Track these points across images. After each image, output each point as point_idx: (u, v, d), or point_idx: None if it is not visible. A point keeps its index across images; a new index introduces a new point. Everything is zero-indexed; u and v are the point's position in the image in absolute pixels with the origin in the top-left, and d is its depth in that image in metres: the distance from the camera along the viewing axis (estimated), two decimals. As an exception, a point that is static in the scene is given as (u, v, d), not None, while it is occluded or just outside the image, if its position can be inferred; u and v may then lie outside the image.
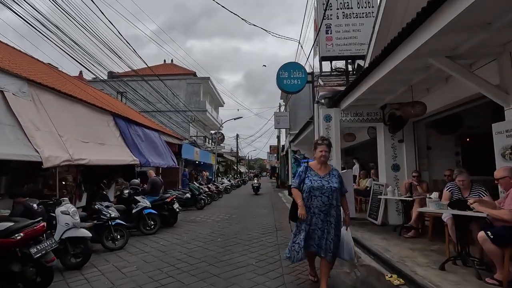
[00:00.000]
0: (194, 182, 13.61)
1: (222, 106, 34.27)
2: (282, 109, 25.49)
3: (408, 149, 6.91)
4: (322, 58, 8.21)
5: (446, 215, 4.19)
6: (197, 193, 11.35)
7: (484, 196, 3.92)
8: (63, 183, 7.51)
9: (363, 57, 7.50)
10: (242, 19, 7.90)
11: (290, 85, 7.63)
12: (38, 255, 3.18)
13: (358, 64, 8.96)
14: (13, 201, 4.52)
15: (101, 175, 8.76)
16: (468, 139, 7.35)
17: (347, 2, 8.04)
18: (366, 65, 6.12)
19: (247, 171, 57.61)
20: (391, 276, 3.58)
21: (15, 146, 4.85)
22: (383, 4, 6.32)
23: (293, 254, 3.22)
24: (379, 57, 4.23)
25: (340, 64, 8.64)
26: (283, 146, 27.26)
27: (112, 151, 8.18)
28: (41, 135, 5.74)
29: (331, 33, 8.05)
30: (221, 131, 27.53)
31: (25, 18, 6.55)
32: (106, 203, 5.65)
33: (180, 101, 21.96)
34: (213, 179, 21.80)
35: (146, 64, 13.81)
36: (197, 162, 19.84)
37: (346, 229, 3.30)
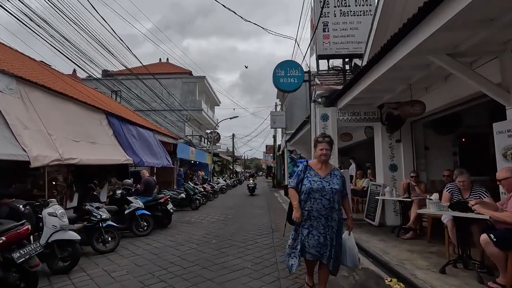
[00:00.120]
0: (189, 182, 13.43)
1: (218, 105, 34.13)
2: (279, 108, 25.39)
3: (406, 149, 6.83)
4: (319, 57, 8.10)
5: (446, 217, 4.10)
6: (192, 193, 11.18)
7: (485, 197, 3.84)
8: (53, 183, 7.30)
9: (360, 56, 7.41)
10: (239, 15, 7.75)
11: (287, 83, 7.51)
12: (21, 260, 3.01)
13: (354, 63, 8.87)
14: (-1, 202, 4.33)
15: (93, 175, 8.56)
16: (466, 139, 7.29)
17: (345, 0, 7.93)
18: (364, 63, 6.02)
19: (243, 170, 57.45)
20: (390, 280, 3.47)
21: (1, 145, 4.67)
22: (381, 2, 6.22)
23: (291, 262, 2.94)
24: (378, 54, 4.12)
25: (337, 62, 8.55)
26: (279, 145, 27.17)
27: (104, 150, 7.99)
28: (29, 133, 5.54)
29: (328, 31, 7.94)
30: (217, 130, 27.34)
31: (15, 15, 6.35)
32: (97, 204, 5.47)
33: (176, 100, 21.75)
34: (209, 179, 21.62)
35: (141, 63, 13.60)
36: (192, 161, 19.66)
37: (349, 234, 3.05)
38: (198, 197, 11.43)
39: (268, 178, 44.43)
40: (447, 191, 4.20)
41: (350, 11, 7.96)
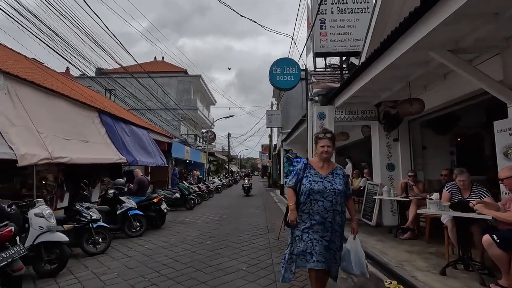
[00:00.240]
0: (184, 182, 13.25)
1: (214, 104, 33.92)
2: (274, 107, 25.29)
3: (403, 148, 6.75)
4: (316, 54, 7.98)
5: (446, 217, 4.02)
6: (187, 192, 11.02)
7: (485, 197, 3.75)
8: (43, 182, 7.10)
9: (358, 54, 7.32)
10: (235, 11, 7.60)
11: (283, 81, 7.39)
12: (2, 263, 2.84)
13: (351, 62, 8.79)
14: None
15: (85, 174, 8.36)
16: (463, 139, 7.24)
17: (342, -3, 7.82)
18: (362, 61, 5.92)
19: (238, 170, 57.28)
20: (390, 283, 3.36)
21: (-15, 142, 4.47)
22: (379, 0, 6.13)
23: (288, 268, 2.64)
24: (378, 50, 4.01)
25: (334, 60, 8.46)
26: (275, 145, 27.06)
27: (96, 149, 7.80)
28: (16, 131, 5.35)
29: (325, 28, 7.82)
30: (212, 129, 27.16)
31: (5, 10, 6.13)
32: (87, 204, 5.30)
33: (171, 99, 21.52)
34: (204, 179, 21.45)
35: (136, 61, 13.39)
36: (187, 161, 19.47)
37: (354, 238, 2.76)
38: (193, 197, 11.27)
39: (263, 178, 44.38)
40: (446, 190, 4.11)
41: (348, 8, 7.86)
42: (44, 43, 7.37)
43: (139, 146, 10.40)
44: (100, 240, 5.06)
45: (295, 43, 23.90)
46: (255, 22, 8.04)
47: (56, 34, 8.00)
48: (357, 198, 8.26)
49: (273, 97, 27.08)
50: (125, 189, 7.06)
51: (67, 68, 21.33)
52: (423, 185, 5.97)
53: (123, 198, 6.46)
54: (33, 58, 10.66)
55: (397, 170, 6.74)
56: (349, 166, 9.97)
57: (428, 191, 6.17)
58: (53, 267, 3.95)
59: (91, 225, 4.97)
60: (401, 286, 3.31)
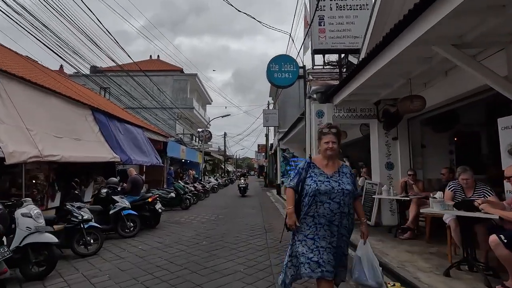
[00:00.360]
0: (179, 181, 13.06)
1: (210, 103, 33.72)
2: (271, 107, 25.18)
3: (402, 147, 6.66)
4: (315, 51, 7.86)
5: (448, 216, 3.92)
6: (182, 192, 10.84)
7: (489, 196, 3.65)
8: (34, 181, 6.89)
9: (357, 51, 7.21)
10: (233, 6, 7.45)
11: (281, 78, 7.25)
12: (-16, 266, 2.67)
13: (348, 61, 8.68)
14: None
15: (78, 173, 8.17)
16: (462, 138, 7.17)
17: (341, -7, 7.70)
18: (361, 59, 5.82)
19: (234, 170, 57.10)
20: (393, 285, 3.24)
21: (-29, 140, 4.28)
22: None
23: (288, 272, 2.45)
24: (380, 45, 3.89)
25: (333, 58, 8.33)
26: (272, 144, 26.96)
27: (89, 147, 7.61)
28: (4, 128, 5.16)
29: (324, 25, 7.70)
30: (208, 129, 26.96)
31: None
32: (78, 204, 5.11)
33: (167, 97, 21.29)
34: (200, 178, 21.26)
35: (131, 58, 13.14)
36: (183, 160, 19.28)
37: (364, 243, 2.49)
38: (189, 197, 11.10)
39: (260, 178, 44.24)
40: (449, 189, 4.00)
41: (347, 5, 7.75)
42: (36, 37, 7.14)
43: (133, 145, 10.21)
44: (92, 241, 4.88)
45: (292, 40, 23.80)
46: (253, 18, 7.89)
47: (49, 30, 7.79)
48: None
49: (269, 96, 26.97)
50: (119, 189, 6.88)
51: (61, 66, 21.02)
52: (423, 184, 5.89)
53: (116, 198, 6.28)
54: (27, 56, 10.41)
55: (396, 169, 6.65)
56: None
57: (428, 190, 6.09)
58: (41, 270, 3.77)
59: (82, 226, 4.79)
60: (405, 288, 3.20)
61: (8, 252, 2.95)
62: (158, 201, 7.34)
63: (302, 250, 2.33)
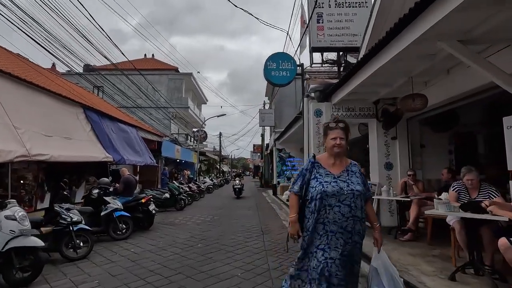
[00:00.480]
0: (174, 181, 12.83)
1: (205, 103, 33.48)
2: (267, 107, 25.04)
3: (402, 146, 6.56)
4: (313, 49, 7.72)
5: (452, 218, 3.80)
6: (177, 193, 10.61)
7: (495, 196, 3.54)
8: (22, 182, 6.63)
9: (355, 49, 7.10)
10: (231, 2, 7.25)
11: (279, 77, 7.10)
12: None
13: (346, 60, 8.57)
14: None
15: (68, 173, 7.92)
16: (461, 138, 7.10)
17: (340, -10, 7.58)
18: (360, 58, 5.70)
19: (229, 170, 56.85)
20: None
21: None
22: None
23: (294, 286, 2.20)
24: (383, 40, 3.76)
25: (331, 56, 8.20)
26: (267, 144, 26.82)
27: (81, 146, 7.37)
28: (-11, 126, 4.93)
29: (322, 22, 7.56)
30: (203, 128, 26.72)
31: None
32: (67, 205, 4.88)
33: (162, 96, 21.01)
34: (195, 178, 21.02)
35: (125, 57, 12.88)
36: (178, 160, 19.02)
37: (379, 251, 2.24)
38: (183, 197, 10.88)
39: (255, 178, 44.09)
40: (453, 190, 3.89)
41: (345, 2, 7.63)
42: (26, 33, 6.87)
43: (127, 144, 9.98)
44: (81, 244, 4.65)
45: (290, 38, 23.69)
46: (250, 14, 7.73)
47: (40, 26, 7.53)
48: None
49: (265, 96, 26.84)
50: (111, 189, 6.65)
51: (53, 64, 20.62)
52: (423, 185, 5.79)
53: (108, 199, 6.05)
54: (18, 54, 10.10)
55: (395, 169, 6.55)
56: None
57: (428, 190, 6.00)
58: (26, 275, 3.55)
59: (71, 228, 4.57)
60: (410, 293, 3.06)
61: (-13, 258, 2.74)
62: (151, 202, 7.12)
63: (313, 264, 2.07)
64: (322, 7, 7.52)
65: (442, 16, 2.79)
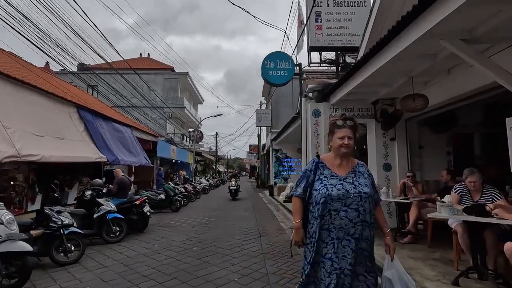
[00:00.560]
0: (169, 182, 12.66)
1: (201, 103, 33.27)
2: (264, 107, 24.94)
3: (400, 147, 6.48)
4: (311, 48, 7.63)
5: (454, 221, 3.72)
6: (172, 193, 10.46)
7: (498, 199, 3.46)
8: (12, 183, 6.43)
9: (354, 49, 7.02)
10: (229, 1, 7.12)
11: (276, 76, 7.00)
12: None
13: (344, 60, 8.50)
14: None
15: (61, 174, 7.73)
16: (460, 139, 7.06)
17: (338, -11, 7.50)
18: (359, 58, 5.62)
19: (226, 170, 56.66)
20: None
21: None
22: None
23: None
24: (385, 38, 3.67)
25: (329, 56, 8.12)
26: (264, 145, 26.72)
27: (73, 146, 7.20)
28: (-23, 125, 4.75)
29: (320, 21, 7.48)
30: (199, 129, 26.54)
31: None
32: (58, 208, 4.72)
33: (157, 96, 20.80)
34: (191, 179, 20.85)
35: (120, 56, 12.68)
36: (173, 160, 18.83)
37: (392, 260, 2.05)
38: (179, 198, 10.72)
39: (251, 178, 44.00)
40: (455, 192, 3.80)
41: (344, 2, 7.55)
42: (18, 31, 6.67)
43: (121, 145, 9.80)
44: (73, 247, 4.50)
45: (287, 37, 23.55)
46: (248, 12, 7.62)
47: (32, 23, 7.34)
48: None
49: (262, 96, 26.74)
50: (104, 190, 6.49)
51: (47, 63, 20.29)
52: (422, 186, 5.72)
53: (101, 200, 5.89)
54: (10, 52, 9.86)
55: (394, 170, 6.47)
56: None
57: (426, 191, 5.94)
58: (13, 282, 3.39)
59: (62, 231, 4.41)
60: (413, 299, 2.96)
61: (-30, 265, 2.59)
62: (146, 204, 6.97)
63: (321, 275, 1.92)
64: (321, 6, 7.44)
65: (448, 13, 2.70)
